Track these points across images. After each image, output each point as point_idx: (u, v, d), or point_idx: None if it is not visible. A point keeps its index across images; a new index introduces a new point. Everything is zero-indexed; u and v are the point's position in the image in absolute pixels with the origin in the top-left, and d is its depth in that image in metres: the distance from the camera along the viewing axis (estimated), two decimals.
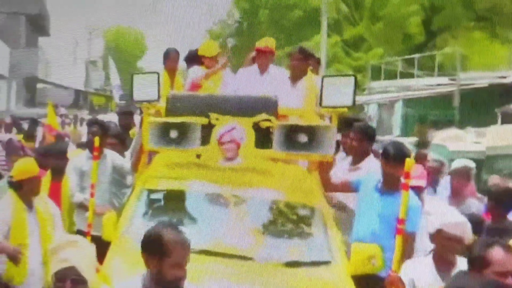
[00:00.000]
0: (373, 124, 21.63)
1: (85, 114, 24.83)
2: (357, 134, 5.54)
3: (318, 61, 7.21)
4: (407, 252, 4.44)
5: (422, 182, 5.32)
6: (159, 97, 5.27)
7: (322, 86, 4.91)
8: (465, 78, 21.69)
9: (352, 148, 5.62)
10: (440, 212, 4.27)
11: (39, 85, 34.25)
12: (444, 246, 4.01)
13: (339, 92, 4.85)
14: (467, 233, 4.02)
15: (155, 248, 3.12)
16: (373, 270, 4.37)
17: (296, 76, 6.20)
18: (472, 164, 6.72)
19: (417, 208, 4.68)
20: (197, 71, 6.57)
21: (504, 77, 20.58)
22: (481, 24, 24.50)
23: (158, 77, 5.29)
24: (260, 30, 26.91)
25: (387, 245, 4.42)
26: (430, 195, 5.88)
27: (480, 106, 18.52)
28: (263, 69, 6.38)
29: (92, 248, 3.26)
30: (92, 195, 4.96)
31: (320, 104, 4.93)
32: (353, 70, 24.79)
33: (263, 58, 6.38)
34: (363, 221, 4.85)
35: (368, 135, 5.59)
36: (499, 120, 17.49)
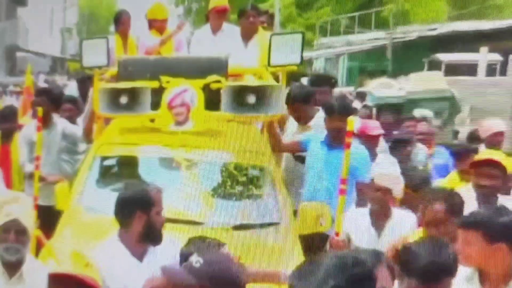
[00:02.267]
0: None
1: (64, 80, 23.72)
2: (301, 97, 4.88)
3: (271, 17, 6.52)
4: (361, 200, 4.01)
5: (379, 131, 4.98)
6: (109, 62, 4.61)
7: (270, 44, 4.30)
8: (399, 32, 21.71)
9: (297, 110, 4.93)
10: (377, 163, 3.89)
11: (19, 54, 32.71)
12: (373, 197, 3.53)
13: (287, 50, 4.26)
14: (396, 185, 3.57)
15: (145, 202, 3.11)
16: (322, 229, 3.88)
17: (248, 35, 5.55)
18: (429, 114, 6.33)
19: (365, 157, 4.23)
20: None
21: (434, 29, 20.61)
22: None
23: (107, 42, 4.64)
24: None
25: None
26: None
27: (410, 56, 18.50)
28: (216, 29, 5.69)
29: (30, 202, 3.38)
30: (37, 167, 4.28)
31: (269, 63, 4.32)
32: (305, 29, 24.31)
33: (218, 17, 5.69)
34: (313, 177, 4.34)
35: (310, 96, 4.91)
36: (425, 68, 17.59)
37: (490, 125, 5.68)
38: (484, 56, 16.66)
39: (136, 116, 4.41)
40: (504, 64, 14.79)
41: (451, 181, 4.58)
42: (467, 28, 19.17)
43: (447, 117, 11.67)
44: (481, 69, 16.58)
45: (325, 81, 5.64)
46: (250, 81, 4.58)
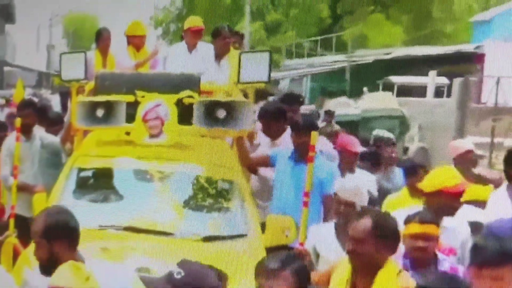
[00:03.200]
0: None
1: (48, 93, 23.19)
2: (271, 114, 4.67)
3: (241, 37, 6.38)
4: (328, 214, 3.84)
5: (360, 148, 4.74)
6: (86, 76, 4.38)
7: (239, 62, 4.16)
8: (357, 55, 22.00)
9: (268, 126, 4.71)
10: (343, 178, 3.74)
11: (6, 68, 31.94)
12: (337, 210, 3.37)
13: (256, 68, 4.11)
14: (359, 199, 3.35)
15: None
16: (287, 241, 3.70)
17: (220, 54, 5.38)
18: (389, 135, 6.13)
19: (332, 171, 4.09)
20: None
21: (389, 54, 20.97)
22: (378, 8, 24.37)
23: (85, 56, 4.43)
24: (199, 16, 25.93)
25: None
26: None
27: (366, 78, 18.75)
28: (191, 47, 5.51)
29: None
30: (15, 176, 4.03)
31: (238, 80, 4.17)
32: (273, 51, 24.43)
33: (193, 37, 5.51)
34: (280, 191, 4.18)
35: (281, 113, 4.72)
36: (380, 90, 17.86)
37: (458, 144, 5.30)
38: (432, 79, 16.95)
39: (111, 128, 4.21)
40: (450, 87, 15.01)
41: (402, 197, 4.30)
42: (418, 53, 19.45)
43: (397, 134, 11.78)
44: (430, 91, 16.86)
45: (294, 99, 5.50)
46: (220, 97, 4.40)
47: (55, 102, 8.31)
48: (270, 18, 25.72)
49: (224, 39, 5.36)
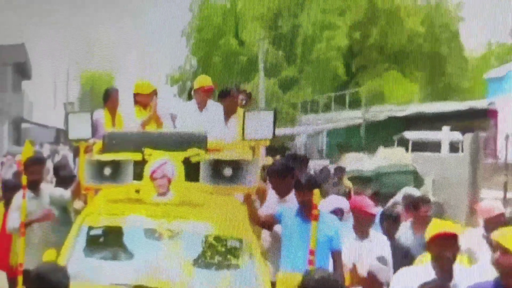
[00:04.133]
0: (302, 151, 22.01)
1: (66, 149, 23.53)
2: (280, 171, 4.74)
3: (249, 96, 6.52)
4: (338, 268, 3.90)
5: (376, 210, 4.66)
6: (93, 135, 4.53)
7: (243, 120, 4.28)
8: (372, 111, 22.24)
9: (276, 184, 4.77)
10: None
11: (24, 125, 32.63)
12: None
13: (260, 126, 4.22)
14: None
15: None
16: None
17: (228, 113, 5.52)
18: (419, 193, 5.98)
19: (339, 228, 4.15)
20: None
21: (403, 110, 21.22)
22: (393, 66, 24.75)
23: (91, 116, 4.61)
24: (213, 74, 26.50)
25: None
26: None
27: (381, 134, 18.84)
28: (202, 106, 5.66)
29: None
30: (22, 234, 4.09)
31: (243, 137, 4.28)
32: (288, 107, 24.82)
33: (203, 96, 5.66)
34: (288, 248, 4.18)
35: (287, 171, 4.76)
36: (395, 145, 17.99)
37: (488, 207, 5.04)
38: (446, 135, 17.03)
39: (119, 186, 4.29)
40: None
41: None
42: (433, 110, 19.63)
43: None
44: (444, 146, 16.91)
45: (298, 159, 5.62)
46: (227, 155, 4.49)
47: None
48: (285, 75, 26.18)
49: (232, 99, 5.52)
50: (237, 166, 4.14)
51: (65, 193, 4.99)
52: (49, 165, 9.68)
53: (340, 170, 9.66)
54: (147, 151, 4.38)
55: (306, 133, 24.78)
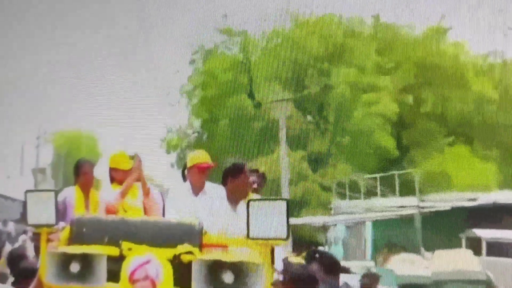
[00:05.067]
0: (339, 247, 21.70)
1: (33, 230, 23.58)
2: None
3: (263, 178, 6.61)
4: None
5: None
6: (57, 221, 4.64)
7: (248, 212, 4.29)
8: (430, 199, 22.01)
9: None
10: None
11: None
12: None
13: (272, 220, 4.23)
14: None
15: None
16: None
17: (234, 198, 5.55)
18: None
19: None
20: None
21: (474, 199, 20.87)
22: (460, 139, 24.70)
23: (56, 196, 4.70)
24: (221, 142, 26.60)
25: None
26: None
27: (442, 230, 18.53)
28: (197, 188, 5.77)
29: None
30: None
31: (248, 235, 4.30)
32: (319, 189, 24.73)
33: (199, 176, 5.79)
34: None
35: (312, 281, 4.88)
36: (463, 245, 17.61)
37: None
38: None
39: None
40: None
41: None
42: None
43: None
44: None
45: (328, 260, 5.54)
46: (228, 255, 4.56)
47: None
48: (315, 147, 26.22)
49: (244, 178, 5.53)
50: (240, 271, 4.13)
51: None
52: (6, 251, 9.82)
53: (372, 278, 9.47)
54: (125, 244, 4.42)
55: (343, 224, 24.60)
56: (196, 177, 5.79)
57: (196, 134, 31.27)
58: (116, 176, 6.08)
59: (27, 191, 4.69)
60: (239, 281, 4.16)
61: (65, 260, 4.34)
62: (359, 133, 25.11)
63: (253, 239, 4.32)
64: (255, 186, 5.99)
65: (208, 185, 5.82)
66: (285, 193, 23.42)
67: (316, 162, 26.86)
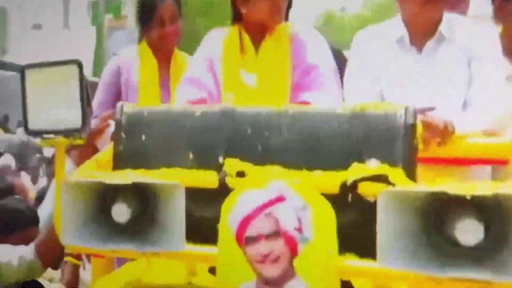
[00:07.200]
0: None
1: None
2: None
3: None
4: None
5: None
6: (87, 120, 2.24)
7: None
8: None
9: None
10: None
11: None
12: None
13: None
14: None
15: None
16: None
17: None
18: None
19: None
20: None
21: None
22: None
23: (81, 71, 2.21)
24: None
25: None
26: None
27: None
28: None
29: None
30: None
31: None
32: None
33: None
34: None
35: None
36: None
37: None
38: None
39: (150, 255, 2.22)
40: None
41: None
42: None
43: None
44: None
45: None
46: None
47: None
48: None
49: None
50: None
51: (26, 254, 3.01)
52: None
53: None
54: (231, 164, 2.18)
55: None
56: None
57: None
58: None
59: (25, 66, 2.27)
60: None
61: (102, 199, 2.19)
62: None
63: None
64: None
65: None
66: None
67: None
